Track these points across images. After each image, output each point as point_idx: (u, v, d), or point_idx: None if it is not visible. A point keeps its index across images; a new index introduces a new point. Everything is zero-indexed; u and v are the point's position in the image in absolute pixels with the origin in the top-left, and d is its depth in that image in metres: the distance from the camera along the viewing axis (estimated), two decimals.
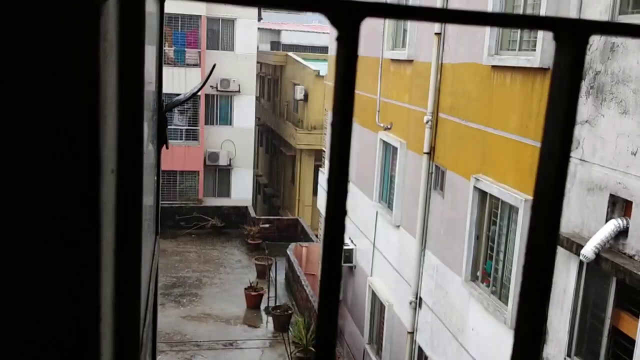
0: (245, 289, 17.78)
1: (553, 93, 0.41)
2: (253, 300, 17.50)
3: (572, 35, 0.41)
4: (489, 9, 8.65)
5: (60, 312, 0.65)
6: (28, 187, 0.61)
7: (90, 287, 0.67)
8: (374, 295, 13.52)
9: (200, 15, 25.11)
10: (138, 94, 0.97)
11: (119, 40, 0.79)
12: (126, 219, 0.90)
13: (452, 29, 10.06)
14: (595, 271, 6.45)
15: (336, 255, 0.48)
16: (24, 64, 0.58)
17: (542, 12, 7.43)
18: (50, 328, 0.65)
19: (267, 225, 23.24)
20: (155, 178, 2.13)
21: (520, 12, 8.25)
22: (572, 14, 6.86)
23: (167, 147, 2.34)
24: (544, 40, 7.37)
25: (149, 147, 1.71)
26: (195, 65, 25.24)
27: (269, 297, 17.43)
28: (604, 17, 6.41)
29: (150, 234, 1.88)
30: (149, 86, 1.71)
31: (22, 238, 0.62)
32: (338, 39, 0.46)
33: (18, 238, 0.62)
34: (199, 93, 21.74)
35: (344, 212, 0.48)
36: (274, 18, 44.50)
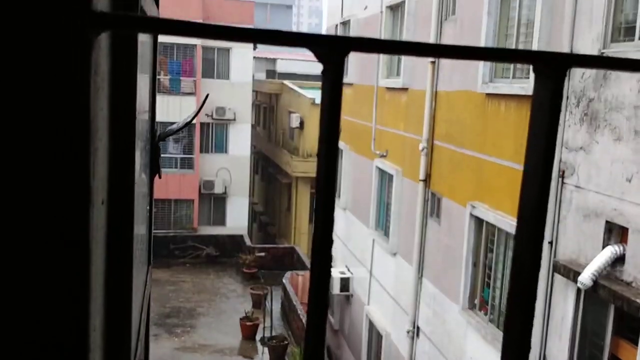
0: (241, 319, 17.58)
1: (533, 125, 0.41)
2: (248, 330, 17.29)
3: (551, 69, 0.42)
4: (482, 39, 8.76)
5: (47, 344, 0.65)
6: (14, 221, 0.61)
7: (79, 318, 0.67)
8: (371, 325, 13.40)
9: (196, 45, 25.34)
10: (130, 125, 0.97)
11: (111, 72, 0.80)
12: (117, 250, 0.90)
13: None
14: (593, 298, 6.42)
15: (324, 282, 0.49)
16: (13, 96, 0.58)
17: (535, 41, 7.53)
18: None
19: (262, 254, 23.08)
20: (148, 207, 2.13)
21: (513, 41, 8.35)
22: (565, 43, 6.95)
23: (159, 177, 2.34)
24: None
25: (141, 176, 1.71)
26: (190, 93, 25.37)
27: (264, 327, 17.23)
28: (596, 45, 6.49)
29: (142, 264, 1.87)
30: (142, 115, 1.72)
31: (10, 268, 0.62)
32: (323, 73, 0.47)
33: (5, 270, 0.62)
34: (193, 121, 21.84)
35: (330, 241, 0.48)
36: (270, 47, 44.90)
